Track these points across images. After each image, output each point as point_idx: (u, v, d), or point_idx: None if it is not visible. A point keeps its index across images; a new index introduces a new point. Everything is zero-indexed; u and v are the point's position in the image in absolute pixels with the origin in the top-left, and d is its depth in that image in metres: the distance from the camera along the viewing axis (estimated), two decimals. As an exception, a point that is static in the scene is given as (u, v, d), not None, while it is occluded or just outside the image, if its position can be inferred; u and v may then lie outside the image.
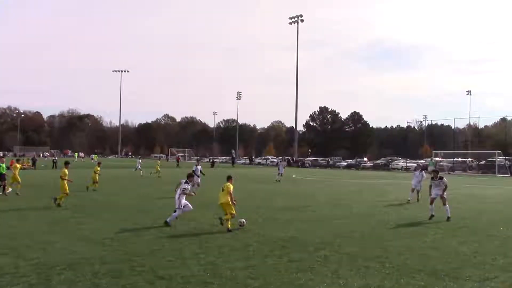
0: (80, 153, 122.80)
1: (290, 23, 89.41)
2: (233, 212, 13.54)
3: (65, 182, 19.22)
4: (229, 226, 13.23)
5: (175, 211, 14.34)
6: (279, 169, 38.57)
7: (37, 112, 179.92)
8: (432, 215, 16.03)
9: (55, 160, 62.87)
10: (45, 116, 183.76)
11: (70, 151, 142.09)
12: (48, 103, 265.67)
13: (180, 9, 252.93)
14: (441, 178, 16.65)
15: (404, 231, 13.55)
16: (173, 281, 8.12)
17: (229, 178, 14.05)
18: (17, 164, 25.05)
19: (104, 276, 8.40)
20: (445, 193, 16.31)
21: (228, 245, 11.23)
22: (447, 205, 15.99)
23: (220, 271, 8.77)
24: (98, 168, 26.94)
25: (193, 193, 15.68)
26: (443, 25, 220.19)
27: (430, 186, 16.83)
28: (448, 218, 15.65)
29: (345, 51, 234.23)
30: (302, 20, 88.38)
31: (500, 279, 8.46)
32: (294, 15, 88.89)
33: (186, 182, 14.63)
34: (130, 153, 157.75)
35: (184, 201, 14.42)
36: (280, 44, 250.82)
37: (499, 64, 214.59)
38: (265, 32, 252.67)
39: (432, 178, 16.89)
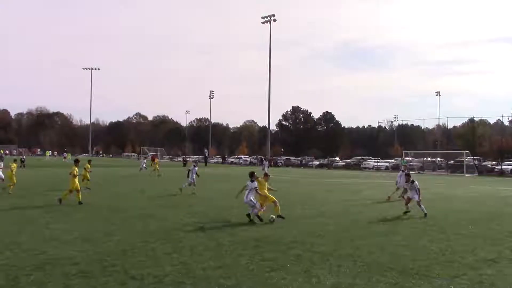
0: (50, 151, 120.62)
1: (263, 23, 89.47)
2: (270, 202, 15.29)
3: (75, 179, 19.13)
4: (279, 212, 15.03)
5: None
6: (263, 168, 38.92)
7: (4, 109, 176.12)
8: (408, 211, 17.04)
9: (23, 159, 61.49)
10: (12, 113, 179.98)
11: (39, 150, 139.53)
12: (16, 101, 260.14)
13: (153, 8, 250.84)
14: (412, 181, 17.20)
15: (376, 230, 13.71)
16: (145, 281, 8.05)
17: (252, 175, 15.22)
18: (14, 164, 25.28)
19: (75, 277, 8.26)
20: (419, 196, 17.16)
21: (201, 244, 11.18)
22: (422, 206, 16.82)
23: (193, 271, 8.73)
24: (89, 166, 27.38)
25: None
26: (413, 26, 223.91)
27: (405, 189, 17.96)
28: (425, 215, 16.46)
29: (317, 51, 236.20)
30: (274, 20, 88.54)
31: (468, 277, 8.63)
32: (267, 15, 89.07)
33: (252, 181, 15.16)
34: (101, 152, 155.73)
35: (252, 198, 14.96)
36: (253, 43, 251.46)
37: (468, 66, 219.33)
38: (238, 31, 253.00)
39: (405, 182, 17.66)
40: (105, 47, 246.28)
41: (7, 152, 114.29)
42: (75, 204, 18.93)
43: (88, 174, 26.38)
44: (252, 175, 15.44)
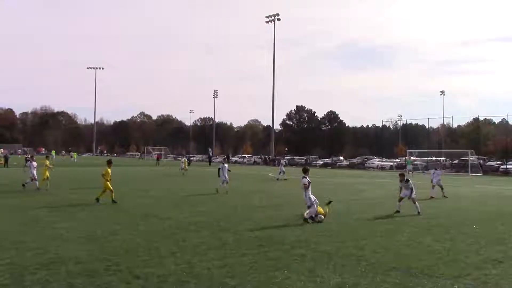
0: (62, 151, 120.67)
1: (267, 22, 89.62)
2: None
3: (108, 182, 19.07)
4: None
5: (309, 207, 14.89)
6: (280, 169, 39.57)
7: (9, 109, 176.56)
8: (398, 211, 17.08)
9: (27, 158, 61.51)
10: (17, 113, 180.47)
11: (43, 149, 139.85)
12: (21, 100, 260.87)
13: (157, 8, 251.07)
14: (407, 180, 17.23)
15: (380, 230, 13.69)
16: (149, 281, 8.06)
17: (306, 171, 15.51)
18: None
19: (79, 275, 8.28)
20: (413, 194, 17.27)
21: (204, 244, 11.19)
22: (416, 204, 17.10)
23: (197, 270, 8.74)
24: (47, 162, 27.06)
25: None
26: (417, 25, 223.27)
27: (400, 188, 17.77)
28: (418, 213, 16.72)
29: (321, 51, 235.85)
30: (279, 19, 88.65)
31: (472, 276, 8.61)
32: (271, 14, 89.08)
33: (304, 177, 15.25)
34: (105, 151, 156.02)
35: (312, 196, 14.98)
36: (257, 43, 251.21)
37: (472, 65, 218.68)
38: (242, 31, 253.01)
39: (400, 181, 17.63)
40: (110, 47, 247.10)
41: (13, 152, 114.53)
42: (79, 203, 18.99)
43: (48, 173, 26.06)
44: (306, 171, 15.58)
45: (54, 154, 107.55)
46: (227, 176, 24.87)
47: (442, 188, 24.18)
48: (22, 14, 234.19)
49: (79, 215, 15.98)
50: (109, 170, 19.29)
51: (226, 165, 26.00)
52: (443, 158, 66.01)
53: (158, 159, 77.12)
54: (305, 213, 14.83)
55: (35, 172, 24.98)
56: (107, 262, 9.20)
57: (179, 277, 8.26)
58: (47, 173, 25.07)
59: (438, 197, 23.10)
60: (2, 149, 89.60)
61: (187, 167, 46.11)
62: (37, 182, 24.64)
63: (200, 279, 8.19)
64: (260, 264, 9.25)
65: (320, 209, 15.21)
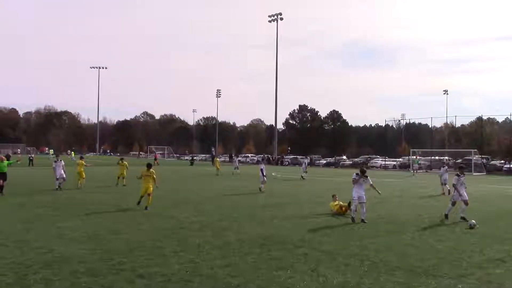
0: (68, 150, 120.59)
1: (270, 21, 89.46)
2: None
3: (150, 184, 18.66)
4: None
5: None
6: (303, 166, 41.08)
7: (13, 108, 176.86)
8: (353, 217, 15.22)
9: (31, 158, 61.66)
10: (21, 112, 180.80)
11: (46, 148, 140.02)
12: (25, 100, 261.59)
13: (160, 7, 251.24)
14: (366, 176, 16.23)
15: (383, 229, 13.67)
16: (152, 280, 8.07)
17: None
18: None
19: (83, 275, 8.30)
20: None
21: (208, 243, 11.20)
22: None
23: (200, 269, 8.74)
24: (126, 164, 29.44)
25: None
26: (420, 24, 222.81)
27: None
28: (362, 220, 14.84)
29: (324, 50, 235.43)
30: (281, 19, 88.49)
31: (476, 276, 8.59)
32: (274, 14, 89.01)
33: (357, 174, 15.68)
34: (108, 151, 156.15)
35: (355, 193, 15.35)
36: (260, 42, 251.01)
37: (476, 64, 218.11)
38: (245, 30, 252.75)
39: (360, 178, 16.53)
40: (113, 46, 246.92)
41: (16, 152, 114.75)
42: (82, 202, 19.00)
43: (125, 172, 28.62)
44: (363, 172, 15.77)
45: (51, 153, 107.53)
46: (265, 176, 26.30)
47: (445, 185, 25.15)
48: (25, 14, 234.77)
49: (83, 214, 16.00)
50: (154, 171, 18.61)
51: (262, 165, 27.14)
52: (446, 158, 65.87)
53: (156, 158, 75.76)
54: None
55: (62, 171, 25.36)
56: (110, 261, 9.21)
57: (182, 276, 8.26)
58: (83, 173, 26.89)
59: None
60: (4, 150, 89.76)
61: (219, 167, 46.06)
62: (58, 181, 25.11)
63: (203, 278, 8.19)
64: (263, 264, 9.25)
65: (332, 205, 17.01)
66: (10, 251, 10.10)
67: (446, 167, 27.45)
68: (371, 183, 15.73)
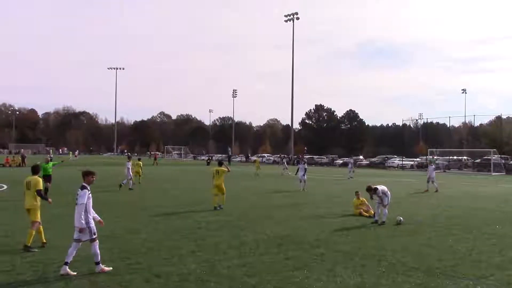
0: (72, 151, 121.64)
1: (286, 21, 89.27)
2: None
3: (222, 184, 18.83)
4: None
5: None
6: (349, 167, 42.13)
7: (32, 109, 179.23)
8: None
9: (50, 158, 62.24)
10: (40, 113, 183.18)
11: (65, 149, 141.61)
12: (43, 100, 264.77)
13: (176, 7, 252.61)
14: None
15: (400, 230, 13.58)
16: (169, 279, 8.12)
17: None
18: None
19: (101, 274, 8.39)
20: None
21: (224, 242, 11.24)
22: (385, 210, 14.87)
23: (217, 269, 8.78)
24: (141, 163, 30.50)
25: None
26: (437, 23, 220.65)
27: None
28: (376, 221, 14.71)
29: (340, 49, 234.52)
30: (297, 18, 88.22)
31: (496, 277, 8.49)
32: (290, 13, 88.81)
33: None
34: (125, 151, 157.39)
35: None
36: (276, 42, 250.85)
37: (494, 63, 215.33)
38: (261, 30, 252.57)
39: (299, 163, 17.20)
40: (130, 47, 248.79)
41: (36, 152, 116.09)
42: (100, 202, 19.16)
43: (141, 170, 29.73)
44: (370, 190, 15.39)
45: (52, 153, 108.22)
46: (305, 176, 26.95)
47: (433, 183, 26.71)
48: (44, 15, 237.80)
49: (100, 214, 16.11)
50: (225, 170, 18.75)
51: (301, 164, 27.98)
52: (465, 157, 65.15)
53: (155, 158, 74.21)
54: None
55: (131, 172, 26.57)
56: (128, 261, 9.30)
57: (199, 276, 8.30)
58: (140, 171, 29.35)
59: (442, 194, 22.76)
60: (22, 149, 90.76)
61: (259, 166, 46.64)
62: (131, 181, 26.29)
63: (220, 278, 8.22)
64: (279, 264, 9.25)
65: (356, 202, 17.10)
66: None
67: (434, 166, 29.21)
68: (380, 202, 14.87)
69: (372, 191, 15.13)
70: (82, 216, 8.41)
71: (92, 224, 8.61)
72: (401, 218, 14.67)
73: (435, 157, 60.39)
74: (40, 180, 10.98)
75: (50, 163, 22.07)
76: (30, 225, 10.58)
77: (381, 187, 15.17)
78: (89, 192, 8.61)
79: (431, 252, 10.55)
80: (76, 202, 8.50)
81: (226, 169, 18.48)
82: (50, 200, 11.42)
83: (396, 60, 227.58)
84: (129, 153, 67.61)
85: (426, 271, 8.80)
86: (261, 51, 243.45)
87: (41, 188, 10.87)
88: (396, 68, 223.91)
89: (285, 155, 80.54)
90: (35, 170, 11.13)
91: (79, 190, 8.58)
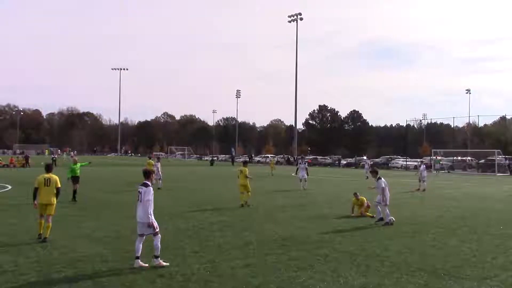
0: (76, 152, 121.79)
1: (289, 22, 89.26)
2: None
3: (248, 180, 19.25)
4: None
5: None
6: (366, 167, 42.08)
7: (36, 109, 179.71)
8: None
9: (54, 158, 62.56)
10: (44, 113, 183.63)
11: (69, 149, 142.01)
12: (48, 101, 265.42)
13: (179, 7, 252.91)
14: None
15: (404, 230, 13.54)
16: (173, 279, 8.12)
17: None
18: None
19: (105, 274, 8.41)
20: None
21: (228, 243, 11.24)
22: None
23: (220, 269, 8.78)
24: (152, 162, 30.05)
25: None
26: (442, 23, 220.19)
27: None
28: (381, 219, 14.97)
29: (344, 50, 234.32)
30: (301, 19, 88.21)
31: (500, 278, 8.46)
32: (293, 14, 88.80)
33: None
34: (129, 151, 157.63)
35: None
36: (280, 42, 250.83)
37: (498, 63, 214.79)
38: (265, 30, 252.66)
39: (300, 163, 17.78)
40: (133, 48, 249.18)
41: (40, 152, 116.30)
42: (105, 203, 19.22)
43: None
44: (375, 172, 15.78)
45: (47, 153, 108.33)
46: (304, 175, 27.77)
47: (423, 182, 27.66)
48: (48, 15, 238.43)
49: (105, 214, 16.19)
50: (247, 170, 19.48)
51: (302, 165, 28.64)
52: (469, 158, 64.95)
53: (149, 158, 74.01)
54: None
55: (160, 172, 27.13)
56: (132, 261, 9.30)
57: (203, 276, 8.30)
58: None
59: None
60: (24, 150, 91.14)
61: (275, 167, 46.80)
62: (160, 181, 26.59)
63: (223, 278, 8.22)
64: (283, 264, 9.24)
65: (355, 202, 17.01)
66: (34, 249, 10.27)
67: (424, 165, 30.46)
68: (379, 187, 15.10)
69: (376, 174, 15.52)
70: (150, 211, 8.96)
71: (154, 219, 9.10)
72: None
73: (439, 157, 60.28)
74: (58, 178, 11.80)
75: (78, 164, 21.29)
76: (46, 218, 11.33)
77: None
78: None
79: (435, 252, 10.52)
80: (141, 199, 9.03)
81: (246, 170, 19.39)
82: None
83: (400, 61, 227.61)
84: (160, 154, 69.65)
85: (430, 272, 8.77)
86: (264, 51, 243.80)
87: (60, 186, 11.81)
88: (400, 68, 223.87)
89: (289, 155, 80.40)
90: (49, 168, 12.04)
91: (143, 187, 9.11)
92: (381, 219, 14.71)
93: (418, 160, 62.28)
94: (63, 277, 8.20)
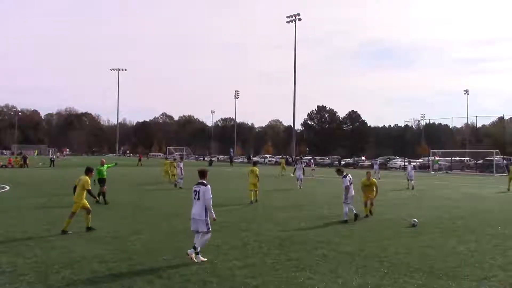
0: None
1: (288, 22, 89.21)
2: None
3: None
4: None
5: None
6: (375, 168, 43.73)
7: (35, 110, 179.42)
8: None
9: (52, 159, 62.54)
10: (42, 114, 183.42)
11: (68, 149, 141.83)
12: (46, 101, 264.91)
13: (178, 8, 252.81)
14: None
15: (403, 230, 13.55)
16: (172, 280, 8.12)
17: None
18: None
19: (103, 274, 8.40)
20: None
21: (226, 244, 11.23)
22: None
23: (219, 270, 8.77)
24: (168, 162, 32.45)
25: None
26: (440, 24, 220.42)
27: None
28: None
29: (342, 50, 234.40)
30: (299, 19, 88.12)
31: (498, 278, 8.47)
32: (292, 14, 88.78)
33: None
34: (128, 152, 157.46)
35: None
36: (278, 43, 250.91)
37: (496, 64, 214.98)
38: (263, 31, 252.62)
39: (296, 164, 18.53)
40: (132, 48, 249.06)
41: (39, 152, 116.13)
42: (102, 203, 19.19)
43: (174, 170, 30.12)
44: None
45: (36, 154, 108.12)
46: (301, 174, 29.44)
47: (411, 181, 29.68)
48: (46, 16, 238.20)
49: (104, 214, 16.16)
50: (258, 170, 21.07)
51: (299, 164, 30.44)
52: (467, 158, 65.02)
53: (140, 159, 73.65)
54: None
55: (181, 172, 28.22)
56: (130, 262, 9.30)
57: (201, 277, 8.30)
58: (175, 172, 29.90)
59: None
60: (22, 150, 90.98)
61: (284, 167, 46.89)
62: (181, 181, 27.83)
63: (222, 278, 8.22)
64: (281, 265, 9.24)
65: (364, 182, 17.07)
66: (32, 250, 10.26)
67: (412, 165, 32.52)
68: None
69: (342, 172, 16.36)
70: (212, 209, 9.56)
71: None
72: (416, 220, 14.56)
73: (438, 158, 60.34)
74: (89, 179, 13.05)
75: (105, 166, 21.07)
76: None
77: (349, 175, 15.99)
78: None
79: (434, 253, 10.53)
80: (198, 197, 9.55)
81: (257, 170, 20.95)
82: (97, 198, 15.21)
83: (399, 61, 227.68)
84: (181, 154, 70.71)
85: (429, 272, 8.78)
86: (263, 52, 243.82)
87: (90, 188, 13.01)
88: (399, 69, 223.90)
89: (288, 156, 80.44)
90: (88, 170, 13.32)
91: (201, 186, 9.63)
92: (356, 215, 15.11)
93: (406, 160, 62.33)
94: (62, 277, 8.19)
